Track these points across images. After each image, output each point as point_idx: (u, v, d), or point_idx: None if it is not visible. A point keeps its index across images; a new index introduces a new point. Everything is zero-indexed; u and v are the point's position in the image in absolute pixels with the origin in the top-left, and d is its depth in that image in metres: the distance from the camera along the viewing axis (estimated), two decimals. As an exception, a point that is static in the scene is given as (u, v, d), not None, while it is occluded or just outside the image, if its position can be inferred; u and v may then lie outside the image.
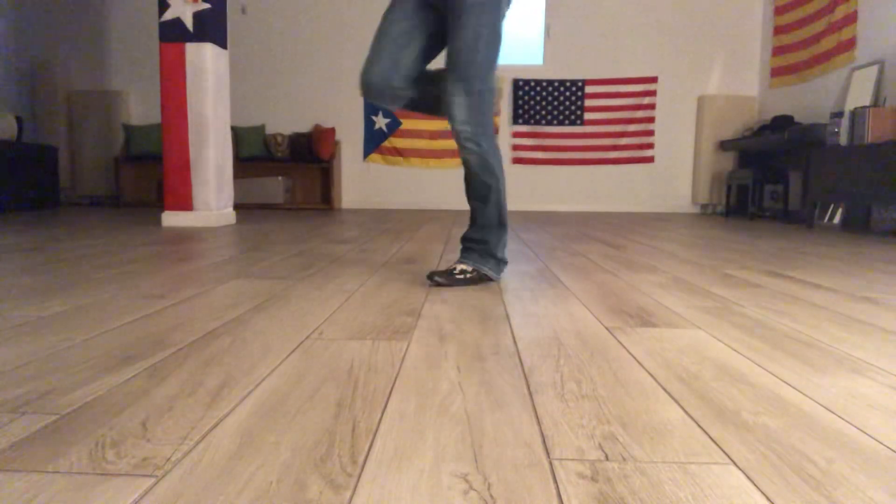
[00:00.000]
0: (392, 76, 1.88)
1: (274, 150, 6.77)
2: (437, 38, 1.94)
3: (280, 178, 6.68)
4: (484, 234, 1.98)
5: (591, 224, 4.97)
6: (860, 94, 4.97)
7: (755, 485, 0.69)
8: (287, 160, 6.77)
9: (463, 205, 7.15)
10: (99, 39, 7.19)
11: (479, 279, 1.98)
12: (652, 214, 6.64)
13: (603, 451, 0.77)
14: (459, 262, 1.98)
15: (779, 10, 6.40)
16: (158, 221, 4.61)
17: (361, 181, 7.21)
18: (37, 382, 0.99)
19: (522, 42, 7.14)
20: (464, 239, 2.02)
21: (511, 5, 1.91)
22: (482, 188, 1.93)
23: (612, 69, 6.99)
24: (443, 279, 1.91)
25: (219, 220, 4.35)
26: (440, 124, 6.93)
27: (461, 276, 1.94)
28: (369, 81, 1.88)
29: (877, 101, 4.82)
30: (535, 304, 1.70)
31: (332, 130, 6.73)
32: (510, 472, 0.71)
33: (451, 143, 7.06)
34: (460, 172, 7.14)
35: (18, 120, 5.89)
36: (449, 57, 1.83)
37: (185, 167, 4.23)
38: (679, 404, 0.93)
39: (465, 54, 1.79)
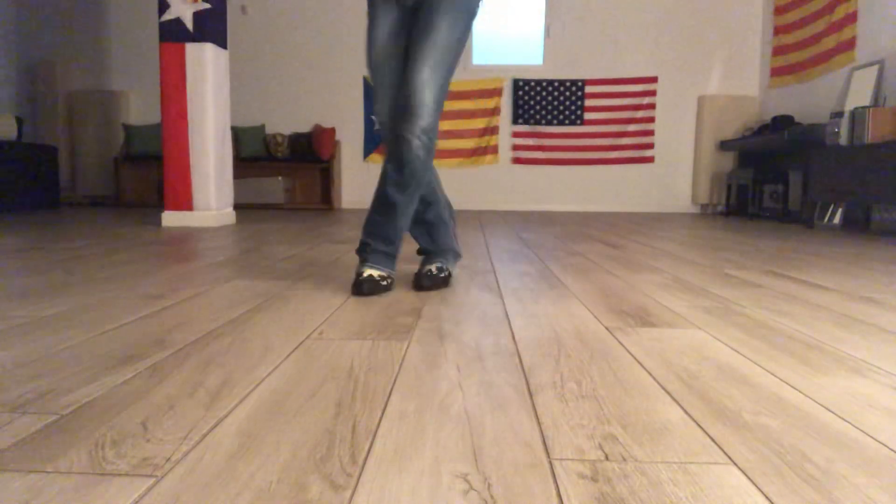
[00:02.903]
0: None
1: (274, 150, 6.77)
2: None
3: (280, 178, 6.68)
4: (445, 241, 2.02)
5: (591, 224, 4.97)
6: (860, 94, 4.97)
7: (755, 485, 0.69)
8: (287, 160, 6.77)
9: (464, 204, 7.15)
10: (99, 39, 7.19)
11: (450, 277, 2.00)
12: (652, 214, 6.63)
13: (603, 451, 0.77)
14: (436, 261, 1.98)
15: (779, 10, 6.40)
16: (158, 221, 4.61)
17: (361, 181, 7.20)
18: (37, 382, 0.99)
19: (522, 42, 7.14)
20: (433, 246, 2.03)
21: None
22: (423, 188, 1.87)
23: (612, 69, 6.99)
24: (430, 283, 1.90)
25: (219, 220, 4.35)
26: (441, 125, 6.93)
27: (445, 276, 1.95)
28: (383, 122, 1.90)
29: (877, 101, 4.82)
30: (535, 304, 1.70)
31: (332, 130, 6.73)
32: (510, 472, 0.71)
33: (452, 143, 7.06)
34: (460, 171, 7.14)
35: (18, 120, 5.89)
36: (429, 44, 1.75)
37: (185, 167, 4.23)
38: (679, 404, 0.93)
39: (446, 44, 1.76)
